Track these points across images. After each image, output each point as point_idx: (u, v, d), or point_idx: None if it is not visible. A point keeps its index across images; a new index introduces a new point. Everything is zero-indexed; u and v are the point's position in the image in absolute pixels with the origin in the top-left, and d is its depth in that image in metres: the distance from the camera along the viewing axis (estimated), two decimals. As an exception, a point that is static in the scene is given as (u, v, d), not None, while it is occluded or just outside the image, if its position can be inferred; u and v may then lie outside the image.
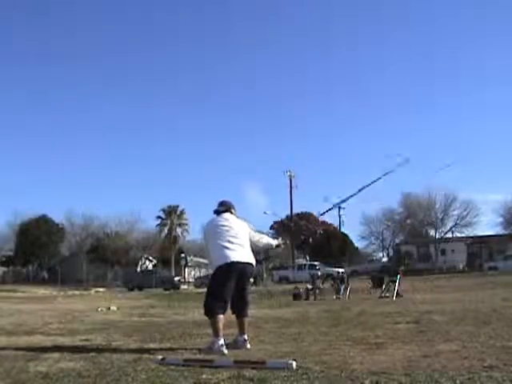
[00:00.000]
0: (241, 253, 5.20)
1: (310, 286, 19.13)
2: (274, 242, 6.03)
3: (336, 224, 55.77)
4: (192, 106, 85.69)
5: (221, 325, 5.00)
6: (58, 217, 52.95)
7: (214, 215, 5.56)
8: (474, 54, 79.43)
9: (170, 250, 49.93)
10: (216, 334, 4.96)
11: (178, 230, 51.03)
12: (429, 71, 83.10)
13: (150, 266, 51.35)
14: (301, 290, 18.69)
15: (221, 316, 5.04)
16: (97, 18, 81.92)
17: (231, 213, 5.56)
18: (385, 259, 54.32)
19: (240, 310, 5.28)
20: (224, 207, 5.59)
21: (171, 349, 5.31)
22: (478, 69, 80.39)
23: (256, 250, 5.64)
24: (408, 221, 55.65)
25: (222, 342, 4.93)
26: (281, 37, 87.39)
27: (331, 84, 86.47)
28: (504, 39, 77.84)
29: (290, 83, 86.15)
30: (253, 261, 5.36)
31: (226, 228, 5.33)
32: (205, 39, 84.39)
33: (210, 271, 5.54)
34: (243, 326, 5.27)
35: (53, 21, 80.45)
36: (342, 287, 18.94)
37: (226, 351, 4.87)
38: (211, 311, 5.06)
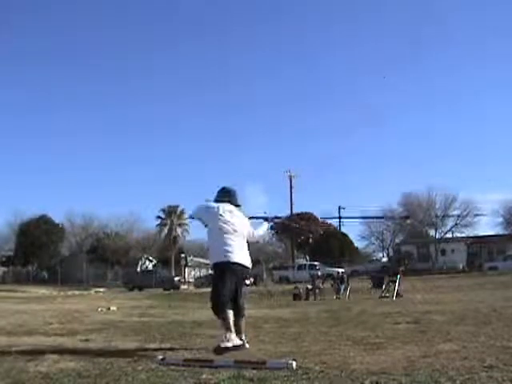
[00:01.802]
0: (239, 255, 5.13)
1: (309, 286, 19.16)
2: (259, 234, 5.71)
3: (336, 224, 55.91)
4: (192, 106, 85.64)
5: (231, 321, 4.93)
6: (58, 217, 52.98)
7: (214, 204, 5.36)
8: (473, 54, 79.43)
9: (170, 250, 49.93)
10: (230, 329, 4.86)
11: (178, 230, 51.01)
12: (428, 72, 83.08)
13: (150, 266, 51.31)
14: (301, 290, 18.72)
15: (231, 311, 4.98)
16: (97, 18, 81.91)
17: (235, 205, 5.38)
18: (385, 259, 54.29)
19: (236, 311, 5.22)
20: (227, 197, 5.41)
21: (171, 349, 5.31)
22: (477, 69, 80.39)
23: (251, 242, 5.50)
24: (408, 221, 55.61)
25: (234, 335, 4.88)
26: (281, 37, 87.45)
27: (331, 84, 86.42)
28: (505, 41, 77.78)
29: (289, 83, 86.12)
30: (249, 263, 5.26)
31: (229, 224, 5.17)
32: (205, 39, 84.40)
33: (210, 265, 5.40)
34: (240, 327, 5.24)
35: (53, 20, 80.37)
36: (342, 287, 18.97)
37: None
38: (221, 308, 4.92)
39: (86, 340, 6.21)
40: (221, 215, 5.21)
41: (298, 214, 54.29)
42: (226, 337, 4.82)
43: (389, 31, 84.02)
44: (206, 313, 5.05)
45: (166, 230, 50.67)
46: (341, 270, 32.54)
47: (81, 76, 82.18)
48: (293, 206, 51.91)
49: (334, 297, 18.30)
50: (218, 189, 5.54)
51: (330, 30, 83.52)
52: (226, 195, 5.44)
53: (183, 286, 37.99)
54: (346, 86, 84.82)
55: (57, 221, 52.12)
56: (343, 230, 55.34)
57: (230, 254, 5.09)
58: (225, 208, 5.27)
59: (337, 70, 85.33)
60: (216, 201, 5.41)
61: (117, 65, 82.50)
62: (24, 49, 79.31)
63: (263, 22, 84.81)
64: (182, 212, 51.23)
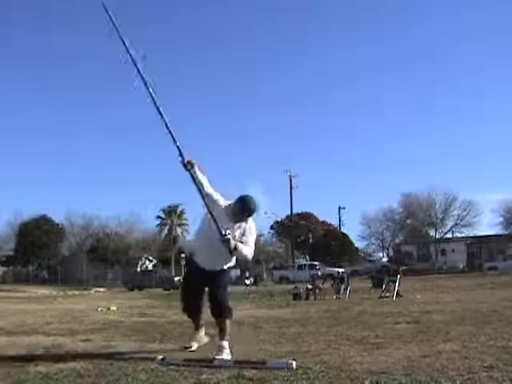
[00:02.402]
0: None
1: (310, 286, 19.13)
2: None
3: (336, 224, 55.96)
4: (191, 106, 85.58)
5: None
6: (58, 217, 52.95)
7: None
8: (474, 53, 79.36)
9: (169, 250, 49.97)
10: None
11: (178, 230, 51.06)
12: (428, 71, 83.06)
13: (150, 266, 51.35)
14: (301, 290, 18.69)
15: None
16: (96, 17, 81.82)
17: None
18: (385, 259, 54.34)
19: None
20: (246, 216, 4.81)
21: (171, 349, 5.31)
22: (477, 69, 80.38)
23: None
24: (408, 221, 55.66)
25: None
26: (280, 36, 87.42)
27: (330, 83, 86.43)
28: (504, 40, 77.75)
29: (289, 82, 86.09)
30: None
31: None
32: (204, 37, 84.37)
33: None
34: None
35: (52, 19, 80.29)
36: (342, 287, 18.94)
37: None
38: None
39: (86, 340, 6.21)
40: None
41: (298, 214, 54.39)
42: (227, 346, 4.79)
43: (388, 31, 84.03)
44: (206, 312, 5.02)
45: (166, 230, 50.74)
46: (341, 270, 32.56)
47: (80, 75, 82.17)
48: (293, 206, 52.02)
49: (334, 297, 18.28)
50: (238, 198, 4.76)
51: (330, 29, 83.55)
52: (245, 213, 4.76)
53: (183, 286, 37.95)
54: (346, 85, 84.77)
55: (57, 221, 52.19)
56: (343, 230, 55.48)
57: None
58: None
59: (337, 69, 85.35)
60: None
61: (117, 63, 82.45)
62: (24, 48, 79.27)
63: (263, 21, 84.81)
64: (182, 212, 51.30)
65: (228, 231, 4.54)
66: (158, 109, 4.69)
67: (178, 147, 4.68)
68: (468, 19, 77.75)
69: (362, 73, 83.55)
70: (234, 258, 4.93)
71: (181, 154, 4.68)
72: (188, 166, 4.65)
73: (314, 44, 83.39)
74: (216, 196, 4.79)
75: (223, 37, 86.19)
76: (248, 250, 4.72)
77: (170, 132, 4.69)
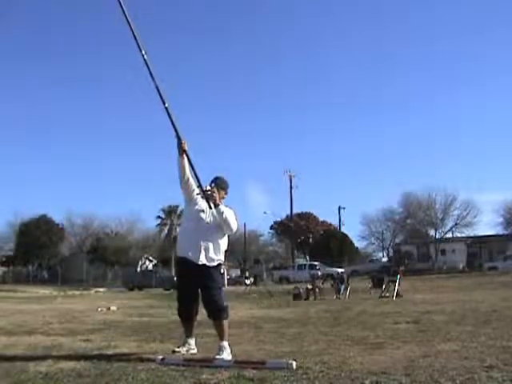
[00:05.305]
0: None
1: (310, 286, 19.14)
2: None
3: (336, 224, 55.96)
4: (191, 105, 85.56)
5: None
6: (58, 217, 53.02)
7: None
8: (473, 50, 79.31)
9: (169, 250, 49.97)
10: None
11: (178, 230, 50.99)
12: (428, 69, 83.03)
13: (150, 266, 51.36)
14: (301, 290, 18.69)
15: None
16: (96, 16, 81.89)
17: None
18: (385, 259, 54.29)
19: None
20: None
21: (171, 349, 5.31)
22: (478, 66, 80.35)
23: None
24: (408, 221, 55.62)
25: None
26: (281, 36, 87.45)
27: (331, 83, 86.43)
28: (505, 33, 77.56)
29: (290, 81, 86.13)
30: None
31: None
32: (204, 34, 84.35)
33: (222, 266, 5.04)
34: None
35: (52, 16, 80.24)
36: (342, 287, 18.95)
37: None
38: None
39: (86, 340, 6.21)
40: None
41: (298, 214, 54.40)
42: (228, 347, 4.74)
43: (387, 30, 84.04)
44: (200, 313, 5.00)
45: (166, 230, 50.76)
46: (341, 270, 32.56)
47: (77, 76, 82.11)
48: (293, 206, 52.05)
49: (334, 297, 18.28)
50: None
51: (330, 27, 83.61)
52: (213, 182, 5.06)
53: (183, 286, 37.86)
54: (346, 85, 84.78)
55: (57, 221, 52.23)
56: (343, 230, 55.47)
57: None
58: None
59: (336, 68, 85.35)
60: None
61: (116, 61, 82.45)
62: (25, 44, 79.16)
63: (262, 19, 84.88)
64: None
65: (209, 187, 4.83)
66: (157, 88, 4.79)
67: (174, 127, 4.82)
68: (466, 15, 77.77)
69: (362, 73, 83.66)
70: (222, 248, 4.88)
71: (178, 136, 4.84)
72: (180, 150, 4.84)
73: (313, 42, 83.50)
74: (194, 186, 4.97)
75: (223, 34, 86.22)
76: (230, 215, 4.81)
77: (165, 106, 4.78)
